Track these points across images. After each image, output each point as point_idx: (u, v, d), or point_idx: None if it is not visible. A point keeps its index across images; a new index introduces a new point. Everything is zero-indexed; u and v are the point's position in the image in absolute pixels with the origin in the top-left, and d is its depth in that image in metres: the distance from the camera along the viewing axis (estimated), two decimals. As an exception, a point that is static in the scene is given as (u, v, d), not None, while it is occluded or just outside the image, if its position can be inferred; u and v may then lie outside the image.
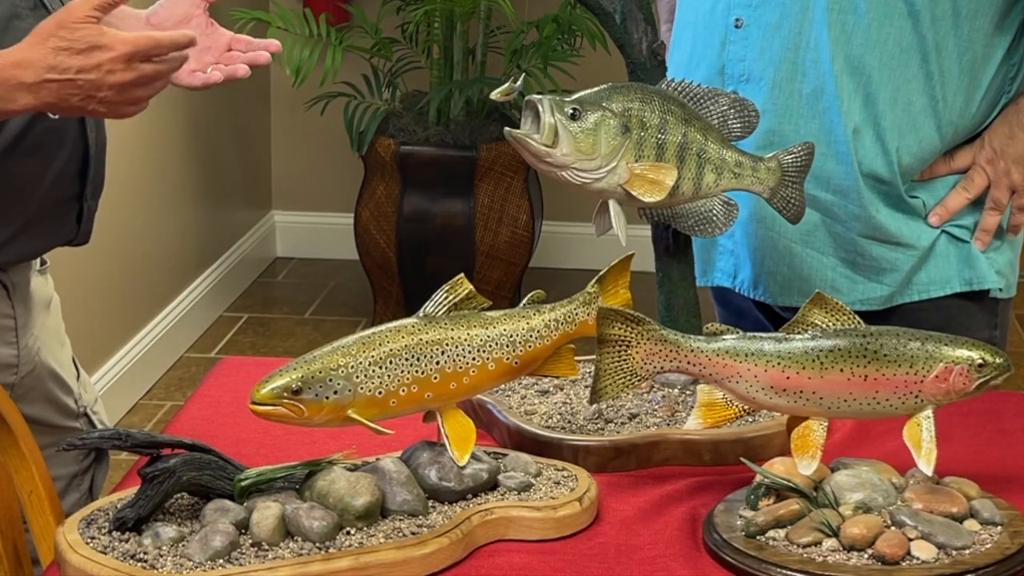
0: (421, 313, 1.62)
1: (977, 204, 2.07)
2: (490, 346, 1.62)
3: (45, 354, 2.06)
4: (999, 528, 1.55)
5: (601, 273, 1.73)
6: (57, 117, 1.86)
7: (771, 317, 2.14)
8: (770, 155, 1.79)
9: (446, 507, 1.58)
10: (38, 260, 2.09)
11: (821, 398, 1.58)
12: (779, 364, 1.58)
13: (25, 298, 2.01)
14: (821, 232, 2.05)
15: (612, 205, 1.72)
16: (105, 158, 2.03)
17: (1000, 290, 2.08)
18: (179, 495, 1.56)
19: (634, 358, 1.60)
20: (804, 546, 1.51)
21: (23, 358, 2.01)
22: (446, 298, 1.62)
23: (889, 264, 2.05)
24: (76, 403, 2.12)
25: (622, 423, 1.78)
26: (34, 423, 1.97)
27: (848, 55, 1.98)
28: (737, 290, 2.14)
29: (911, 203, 2.04)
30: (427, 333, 1.59)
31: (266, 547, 1.50)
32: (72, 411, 2.12)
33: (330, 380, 1.54)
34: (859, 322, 1.59)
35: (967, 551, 1.50)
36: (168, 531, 1.50)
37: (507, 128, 1.68)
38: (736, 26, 2.04)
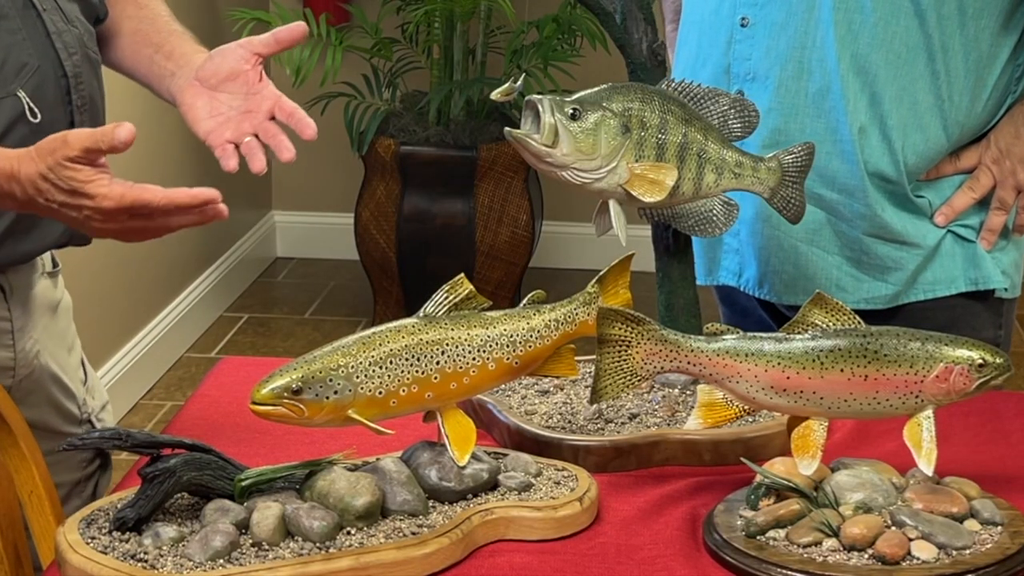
0: (421, 313, 1.62)
1: (983, 204, 2.07)
2: (490, 346, 1.62)
3: (46, 358, 2.04)
4: (999, 528, 1.54)
5: (601, 273, 1.73)
6: (39, 120, 1.82)
7: (775, 316, 2.14)
8: (770, 155, 1.79)
9: (446, 507, 1.58)
10: (46, 263, 2.07)
11: (821, 398, 1.58)
12: (779, 364, 1.58)
13: (25, 301, 2.00)
14: (826, 231, 2.05)
15: (612, 205, 1.72)
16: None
17: (1005, 290, 2.09)
18: (179, 495, 1.56)
19: (634, 358, 1.60)
20: (804, 546, 1.51)
21: (20, 361, 1.98)
22: (446, 298, 1.62)
23: (894, 263, 2.05)
24: (80, 409, 2.10)
25: (622, 423, 1.78)
26: (35, 427, 1.96)
27: (854, 54, 1.98)
28: (742, 289, 2.14)
29: (917, 202, 2.04)
30: (427, 333, 1.59)
31: (266, 547, 1.50)
32: (75, 417, 2.10)
33: (330, 380, 1.54)
34: (859, 322, 1.59)
35: (967, 551, 1.50)
36: (168, 531, 1.50)
37: (507, 128, 1.68)
38: (742, 25, 2.04)
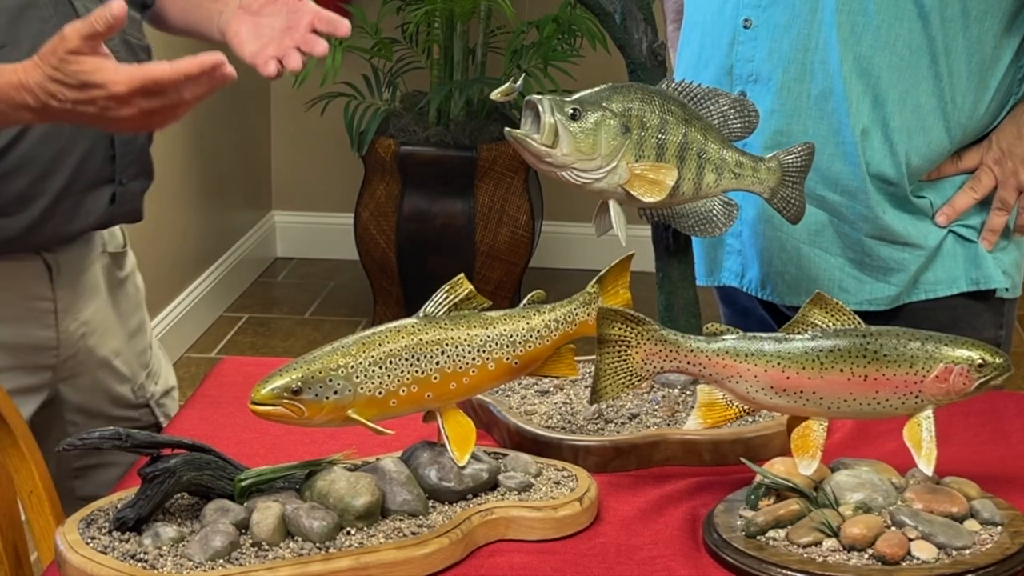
0: (421, 313, 1.62)
1: (984, 204, 2.07)
2: (490, 346, 1.62)
3: (95, 341, 2.05)
4: (999, 528, 1.54)
5: (601, 273, 1.73)
6: None
7: (777, 317, 2.14)
8: (770, 155, 1.79)
9: (446, 507, 1.58)
10: (108, 243, 2.10)
11: (821, 398, 1.58)
12: (779, 364, 1.58)
13: (73, 282, 2.01)
14: (829, 232, 2.05)
15: (612, 205, 1.72)
16: (142, 142, 2.03)
17: (1006, 290, 2.09)
18: (179, 495, 1.56)
19: (634, 358, 1.60)
20: (804, 546, 1.51)
21: (63, 341, 2.01)
22: (446, 298, 1.62)
23: (896, 264, 2.05)
24: (134, 393, 2.13)
25: (622, 423, 1.78)
26: (85, 410, 2.01)
27: (857, 56, 1.98)
28: (744, 290, 2.14)
29: (918, 203, 2.04)
30: (427, 333, 1.59)
31: (266, 547, 1.49)
32: (128, 401, 2.12)
33: (330, 380, 1.54)
34: (859, 322, 1.59)
35: (967, 551, 1.50)
36: (168, 531, 1.50)
37: (507, 128, 1.68)
38: (745, 26, 2.04)
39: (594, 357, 1.62)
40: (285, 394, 1.52)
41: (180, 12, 2.11)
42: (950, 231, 2.06)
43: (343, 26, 1.90)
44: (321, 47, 1.89)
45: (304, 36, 1.90)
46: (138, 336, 2.16)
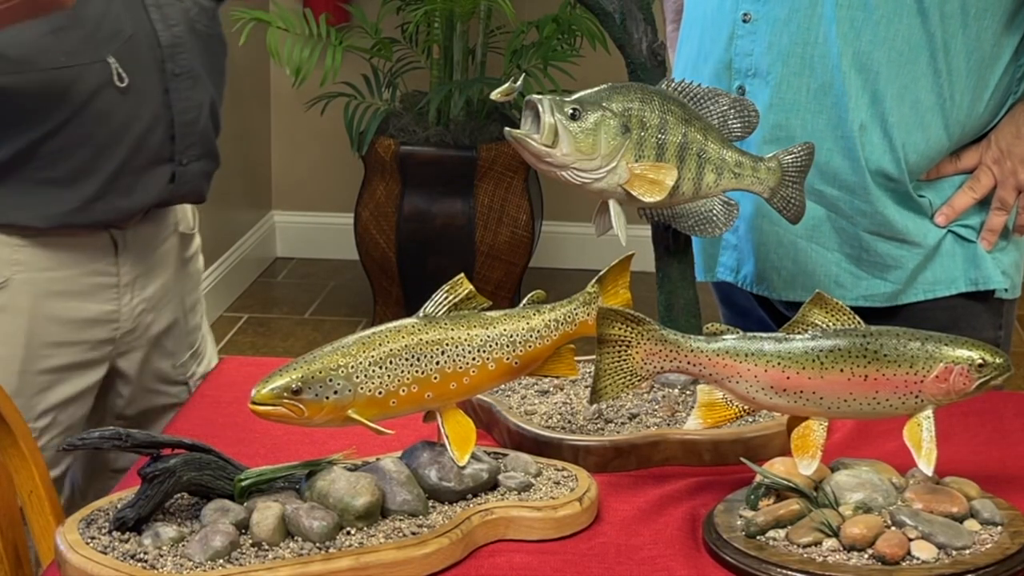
0: (421, 313, 1.62)
1: (983, 204, 2.07)
2: (490, 346, 1.62)
3: (152, 317, 2.13)
4: (999, 528, 1.54)
5: (601, 273, 1.73)
6: (126, 85, 1.92)
7: (775, 317, 2.14)
8: (770, 155, 1.79)
9: (446, 507, 1.58)
10: (180, 222, 2.18)
11: (821, 398, 1.58)
12: (779, 364, 1.58)
13: (139, 259, 2.08)
14: (826, 227, 2.05)
15: (612, 205, 1.72)
16: (205, 126, 2.09)
17: (1006, 290, 2.08)
18: (179, 495, 1.56)
19: (634, 358, 1.60)
20: (804, 546, 1.51)
21: (124, 315, 2.08)
22: (446, 298, 1.62)
23: (894, 261, 2.05)
24: (175, 369, 2.20)
25: (622, 423, 1.78)
26: (130, 384, 2.10)
27: (856, 51, 1.98)
28: (740, 285, 2.14)
29: (918, 201, 2.04)
30: (427, 333, 1.59)
31: (266, 547, 1.49)
32: (169, 377, 2.20)
33: (330, 380, 1.54)
34: (859, 322, 1.59)
35: (967, 551, 1.50)
36: (168, 531, 1.50)
37: (507, 128, 1.68)
38: (744, 21, 2.04)
39: (594, 357, 1.62)
40: (285, 394, 1.52)
41: None
42: (949, 231, 2.06)
43: None
44: None
45: None
46: (191, 315, 2.24)
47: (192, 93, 2.05)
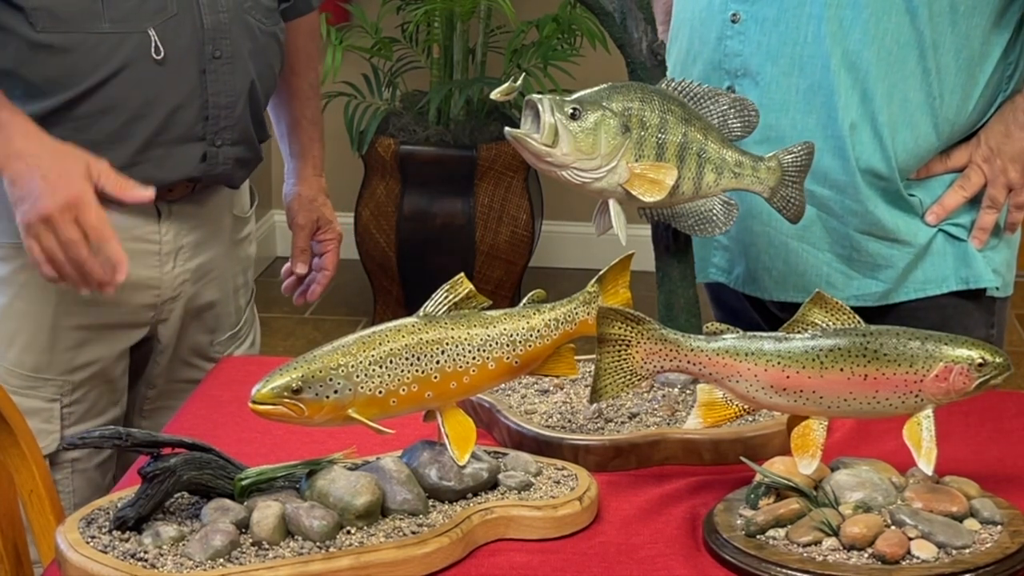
0: (421, 313, 1.62)
1: (974, 202, 2.07)
2: (490, 345, 1.62)
3: (196, 289, 2.17)
4: (999, 527, 1.55)
5: (601, 273, 1.73)
6: (162, 58, 1.99)
7: (767, 318, 2.14)
8: (770, 155, 1.79)
9: (446, 506, 1.58)
10: (235, 204, 2.28)
11: (821, 397, 1.58)
12: (779, 363, 1.58)
13: (183, 230, 2.13)
14: (817, 227, 2.05)
15: (612, 205, 1.72)
16: (242, 113, 2.13)
17: (997, 289, 2.08)
18: (179, 494, 1.56)
19: (634, 357, 1.60)
20: (804, 545, 1.51)
21: (165, 283, 2.12)
22: (446, 298, 1.62)
23: (885, 260, 2.05)
24: (211, 345, 2.24)
25: (622, 422, 1.78)
26: (165, 353, 2.16)
27: (845, 50, 1.98)
28: (732, 286, 2.14)
29: (909, 201, 2.04)
30: (427, 332, 1.59)
31: (266, 546, 1.50)
32: (204, 352, 2.23)
33: (330, 379, 1.54)
34: (859, 321, 1.59)
35: (967, 550, 1.50)
36: (168, 530, 1.50)
37: (507, 128, 1.68)
38: (733, 21, 2.04)
39: (594, 356, 1.62)
40: (285, 393, 1.53)
41: (282, 95, 2.44)
42: (940, 230, 2.06)
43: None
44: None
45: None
46: (236, 296, 2.29)
47: (230, 78, 2.08)
